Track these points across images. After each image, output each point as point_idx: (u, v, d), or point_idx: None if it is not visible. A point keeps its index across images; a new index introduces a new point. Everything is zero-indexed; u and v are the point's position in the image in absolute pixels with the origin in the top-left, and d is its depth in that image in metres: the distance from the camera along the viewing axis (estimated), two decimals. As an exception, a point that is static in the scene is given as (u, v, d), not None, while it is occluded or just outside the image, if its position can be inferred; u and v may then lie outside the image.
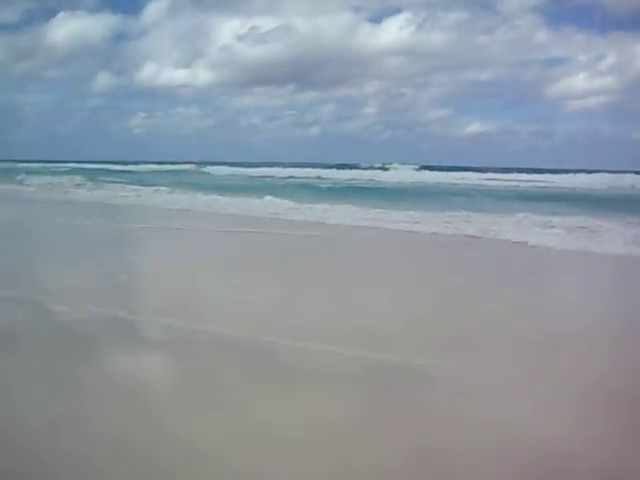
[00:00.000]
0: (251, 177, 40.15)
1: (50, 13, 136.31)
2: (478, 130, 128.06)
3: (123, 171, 42.32)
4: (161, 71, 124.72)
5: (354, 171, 44.21)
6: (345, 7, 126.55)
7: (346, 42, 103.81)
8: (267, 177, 39.28)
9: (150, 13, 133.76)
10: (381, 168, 48.23)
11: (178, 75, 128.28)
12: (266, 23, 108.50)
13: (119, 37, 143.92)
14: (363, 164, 52.20)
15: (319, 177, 37.83)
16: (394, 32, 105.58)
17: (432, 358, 4.75)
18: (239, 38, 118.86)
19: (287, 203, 18.01)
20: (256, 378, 4.30)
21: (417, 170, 46.27)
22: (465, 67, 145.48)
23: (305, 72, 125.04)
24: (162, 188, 25.01)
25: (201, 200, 19.70)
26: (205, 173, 45.47)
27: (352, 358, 4.68)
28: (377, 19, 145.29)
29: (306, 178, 36.92)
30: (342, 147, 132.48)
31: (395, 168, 48.41)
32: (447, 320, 5.96)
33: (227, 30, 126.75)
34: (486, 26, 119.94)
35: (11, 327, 5.24)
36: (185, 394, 4.04)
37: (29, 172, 33.79)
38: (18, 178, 29.94)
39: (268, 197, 19.99)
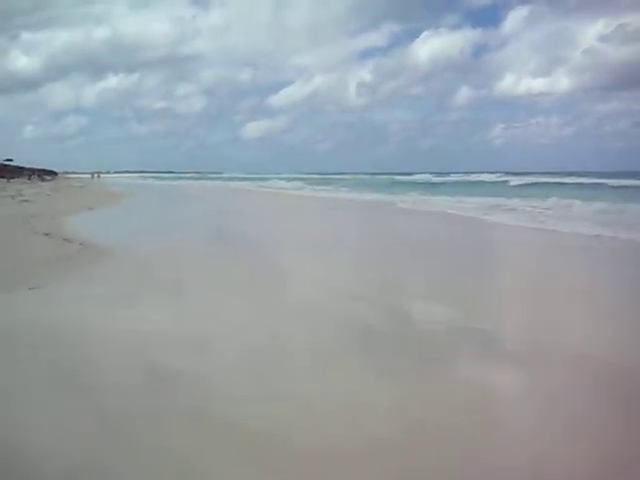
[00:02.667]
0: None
1: (415, 33, 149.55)
2: None
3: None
4: (520, 81, 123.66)
5: None
6: None
7: None
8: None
9: (509, 24, 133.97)
10: None
11: (537, 83, 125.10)
12: (636, 20, 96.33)
13: (479, 50, 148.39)
14: None
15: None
16: None
17: None
18: (604, 39, 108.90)
19: None
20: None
21: None
22: None
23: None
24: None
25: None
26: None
27: None
28: None
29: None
30: None
31: None
32: None
33: (590, 32, 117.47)
34: None
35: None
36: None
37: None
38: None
39: None
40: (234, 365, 4.61)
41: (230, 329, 5.54)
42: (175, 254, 10.43)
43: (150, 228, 16.18)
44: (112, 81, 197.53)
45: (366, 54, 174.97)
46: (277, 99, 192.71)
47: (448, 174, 70.71)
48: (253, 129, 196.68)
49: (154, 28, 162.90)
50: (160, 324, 5.58)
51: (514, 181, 45.97)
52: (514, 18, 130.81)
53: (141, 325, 5.51)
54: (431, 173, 72.93)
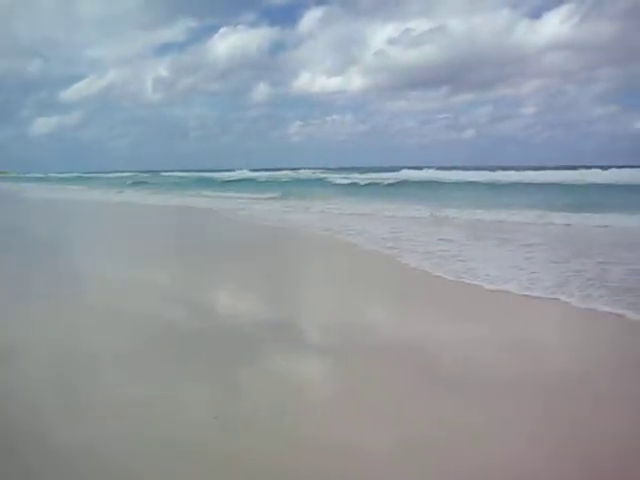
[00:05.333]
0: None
1: (212, 29, 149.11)
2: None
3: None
4: (316, 79, 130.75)
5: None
6: (502, 4, 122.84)
7: (503, 40, 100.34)
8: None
9: (305, 24, 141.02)
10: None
11: (332, 82, 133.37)
12: (420, 25, 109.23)
13: (276, 48, 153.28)
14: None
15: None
16: (555, 26, 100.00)
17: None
18: (393, 42, 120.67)
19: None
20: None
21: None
22: (635, 58, 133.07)
23: (460, 73, 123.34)
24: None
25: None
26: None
27: None
28: (536, 14, 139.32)
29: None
30: (499, 149, 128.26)
31: None
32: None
33: (381, 35, 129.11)
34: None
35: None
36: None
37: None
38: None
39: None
40: (37, 376, 4.63)
41: (32, 340, 5.50)
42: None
43: None
44: None
45: (163, 49, 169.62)
46: (69, 93, 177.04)
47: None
48: (42, 125, 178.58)
49: None
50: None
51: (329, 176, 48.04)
52: (310, 18, 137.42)
53: None
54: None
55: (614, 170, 37.30)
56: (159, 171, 72.97)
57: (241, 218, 18.54)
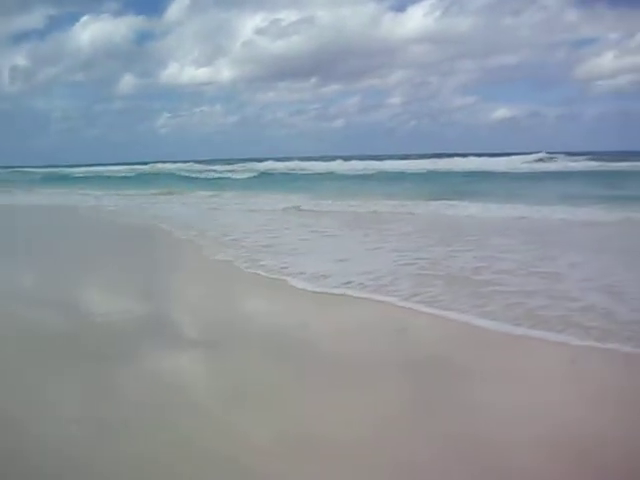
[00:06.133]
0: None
1: (74, 17, 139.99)
2: (505, 116, 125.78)
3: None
4: (184, 70, 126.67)
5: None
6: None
7: (369, 32, 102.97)
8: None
9: (173, 13, 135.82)
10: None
11: (201, 73, 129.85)
12: (288, 16, 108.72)
13: (142, 38, 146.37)
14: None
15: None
16: (419, 19, 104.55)
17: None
18: (261, 32, 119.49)
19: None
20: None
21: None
22: (491, 52, 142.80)
23: (328, 64, 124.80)
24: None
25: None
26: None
27: None
28: (401, 7, 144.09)
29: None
30: (368, 138, 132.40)
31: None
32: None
33: (249, 25, 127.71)
34: (513, 8, 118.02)
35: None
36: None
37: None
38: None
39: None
40: None
41: None
42: None
43: None
44: None
45: (20, 37, 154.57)
46: None
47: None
48: None
49: None
50: None
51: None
52: (178, 7, 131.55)
53: None
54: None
55: (472, 158, 38.38)
56: (18, 167, 65.55)
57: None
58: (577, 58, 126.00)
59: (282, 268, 7.66)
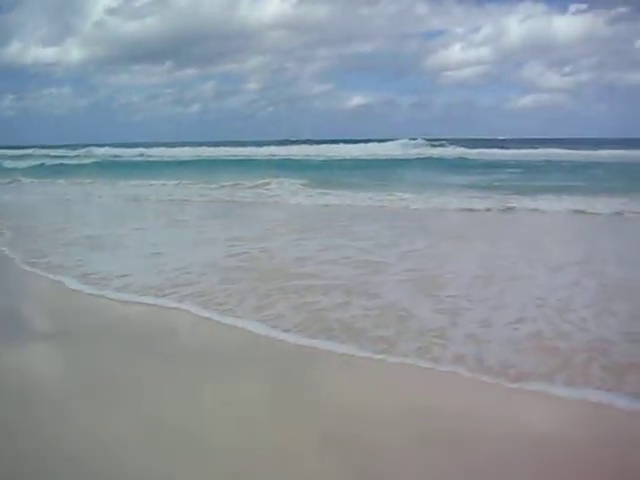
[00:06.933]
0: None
1: None
2: (360, 103, 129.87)
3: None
4: (29, 49, 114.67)
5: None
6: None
7: (226, 16, 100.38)
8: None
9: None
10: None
11: (48, 52, 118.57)
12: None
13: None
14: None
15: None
16: (276, 5, 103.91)
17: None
18: (112, 12, 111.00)
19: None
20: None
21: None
22: (347, 40, 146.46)
23: (184, 48, 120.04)
24: None
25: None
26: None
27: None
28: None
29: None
30: (225, 124, 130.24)
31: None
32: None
33: (101, 4, 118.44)
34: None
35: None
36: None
37: None
38: None
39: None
40: None
41: None
42: None
43: None
44: None
45: None
46: None
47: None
48: None
49: None
50: None
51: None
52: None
53: None
54: None
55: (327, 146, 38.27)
56: None
57: None
58: (427, 49, 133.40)
59: (77, 266, 6.30)
